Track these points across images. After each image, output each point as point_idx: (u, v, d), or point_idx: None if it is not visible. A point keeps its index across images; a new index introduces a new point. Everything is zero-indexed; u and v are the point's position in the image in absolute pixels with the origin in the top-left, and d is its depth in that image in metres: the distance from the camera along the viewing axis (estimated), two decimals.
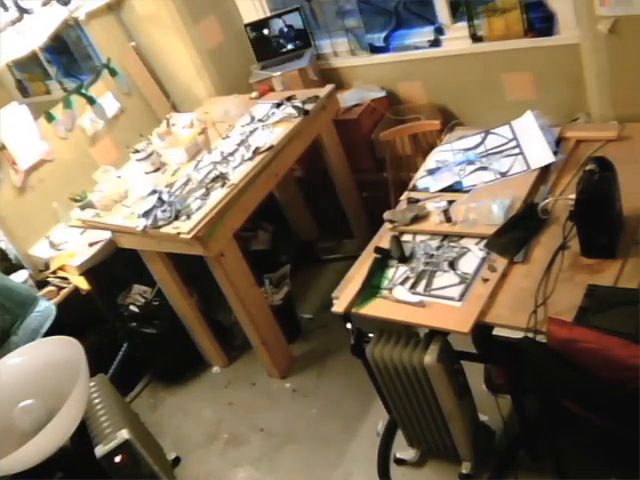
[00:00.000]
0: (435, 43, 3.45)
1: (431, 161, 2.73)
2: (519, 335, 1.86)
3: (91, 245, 3.25)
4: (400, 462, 2.62)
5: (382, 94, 3.63)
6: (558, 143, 2.53)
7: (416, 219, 2.44)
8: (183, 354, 3.52)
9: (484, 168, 2.54)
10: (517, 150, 2.54)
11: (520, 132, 2.61)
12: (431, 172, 2.66)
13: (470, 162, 2.60)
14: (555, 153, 2.46)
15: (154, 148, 3.40)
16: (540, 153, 2.46)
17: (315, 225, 4.09)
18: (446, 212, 2.37)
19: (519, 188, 2.37)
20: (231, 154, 3.13)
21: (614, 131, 2.45)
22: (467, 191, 2.49)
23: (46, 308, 2.77)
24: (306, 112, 3.21)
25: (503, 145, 2.60)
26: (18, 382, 2.18)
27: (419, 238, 2.39)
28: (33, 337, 2.58)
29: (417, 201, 2.53)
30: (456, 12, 3.35)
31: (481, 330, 1.97)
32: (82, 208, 3.24)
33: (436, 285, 2.17)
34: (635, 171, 2.12)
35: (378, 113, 3.62)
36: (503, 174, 2.47)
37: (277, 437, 3.03)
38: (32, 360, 2.25)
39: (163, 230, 2.80)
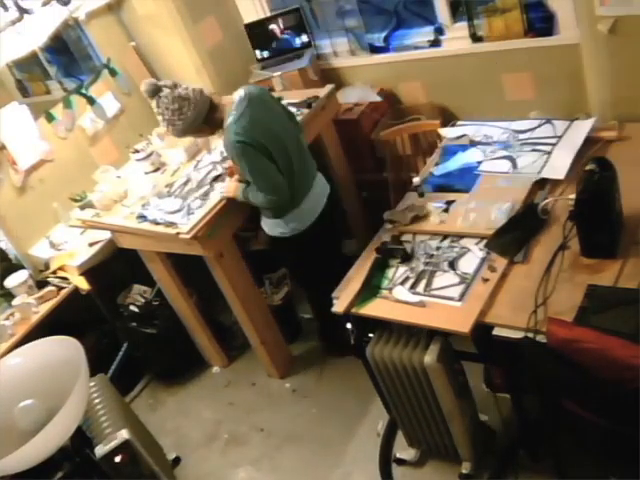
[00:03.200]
0: (435, 43, 3.44)
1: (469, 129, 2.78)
2: (519, 335, 1.86)
3: (91, 245, 3.25)
4: (400, 462, 2.62)
5: (378, 99, 3.62)
6: None
7: (416, 219, 2.44)
8: (183, 354, 3.52)
9: (508, 157, 2.53)
10: (549, 149, 2.49)
11: (567, 135, 2.53)
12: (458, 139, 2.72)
13: (507, 146, 2.58)
14: None
15: (154, 148, 3.41)
16: (559, 165, 2.39)
17: None
18: (446, 212, 2.37)
19: (519, 188, 2.37)
20: None
21: (614, 131, 2.45)
22: (467, 191, 2.49)
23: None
24: (309, 105, 3.20)
25: (546, 138, 2.55)
26: (18, 382, 2.18)
27: (419, 238, 2.39)
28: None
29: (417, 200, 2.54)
30: (456, 12, 3.35)
31: (481, 330, 1.97)
32: (82, 208, 3.24)
33: (436, 285, 2.17)
34: (635, 171, 2.12)
35: (378, 113, 3.62)
36: (515, 169, 2.46)
37: (277, 437, 3.03)
38: (32, 360, 2.25)
39: (163, 230, 2.81)
